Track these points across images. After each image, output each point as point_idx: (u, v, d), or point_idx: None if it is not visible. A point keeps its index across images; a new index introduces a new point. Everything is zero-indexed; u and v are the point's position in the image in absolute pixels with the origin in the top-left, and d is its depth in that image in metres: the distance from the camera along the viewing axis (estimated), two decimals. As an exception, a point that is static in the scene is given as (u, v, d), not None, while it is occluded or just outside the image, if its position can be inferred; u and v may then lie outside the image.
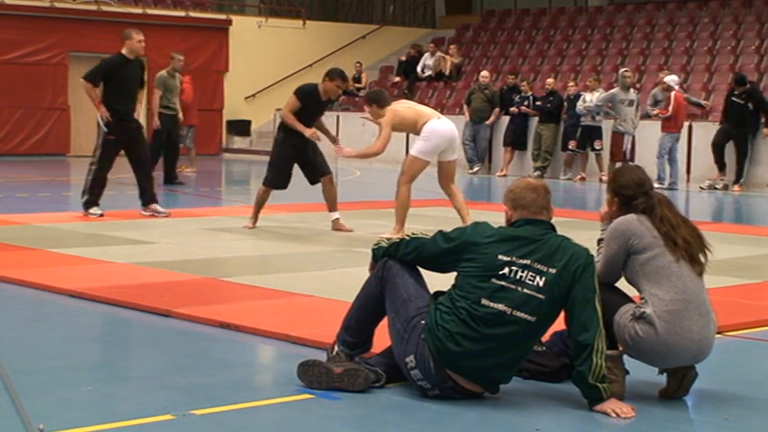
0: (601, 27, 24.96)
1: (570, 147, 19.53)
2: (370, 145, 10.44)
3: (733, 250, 9.70)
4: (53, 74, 22.99)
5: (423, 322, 4.77)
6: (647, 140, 18.24)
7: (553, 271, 4.69)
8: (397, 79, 24.91)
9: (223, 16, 26.10)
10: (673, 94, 17.93)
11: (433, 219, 11.02)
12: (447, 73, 24.55)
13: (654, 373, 5.00)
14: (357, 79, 25.17)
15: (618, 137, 18.15)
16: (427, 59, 24.93)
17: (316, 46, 26.49)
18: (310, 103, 10.47)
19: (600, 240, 5.13)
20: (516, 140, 20.51)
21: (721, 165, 17.91)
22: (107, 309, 6.77)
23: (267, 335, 5.99)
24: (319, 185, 10.75)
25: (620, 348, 4.91)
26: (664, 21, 24.23)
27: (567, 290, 4.69)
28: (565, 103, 19.89)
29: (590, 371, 4.62)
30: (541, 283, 4.69)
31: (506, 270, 4.71)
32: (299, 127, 10.38)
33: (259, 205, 10.74)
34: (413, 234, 5.09)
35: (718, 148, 17.92)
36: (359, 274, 5.70)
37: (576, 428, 4.56)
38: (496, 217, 5.78)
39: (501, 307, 4.68)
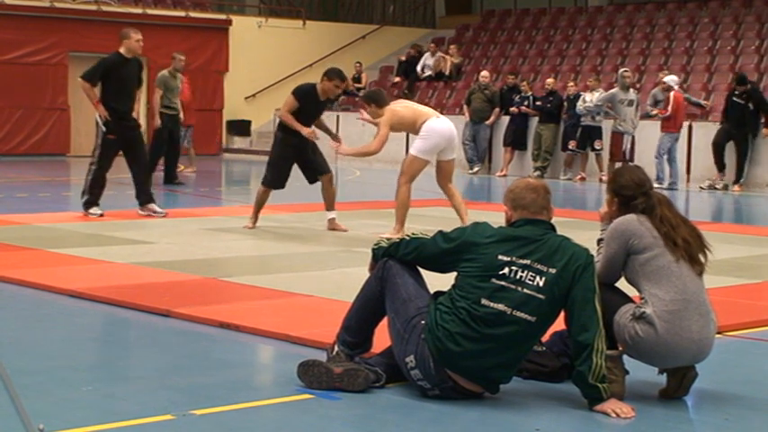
0: (601, 27, 24.96)
1: (570, 147, 19.53)
2: (368, 144, 10.44)
3: (733, 250, 9.70)
4: (53, 74, 22.98)
5: (423, 322, 4.77)
6: (647, 140, 18.24)
7: (553, 271, 4.69)
8: (397, 79, 24.92)
9: (223, 16, 26.10)
10: (672, 93, 17.94)
11: (432, 219, 11.02)
12: (447, 73, 24.55)
13: (654, 373, 5.00)
14: (357, 79, 25.16)
15: (617, 137, 18.15)
16: (427, 59, 24.93)
17: (316, 46, 26.49)
18: (308, 103, 10.47)
19: (600, 240, 5.13)
20: (516, 140, 20.51)
21: (721, 165, 17.91)
22: (107, 309, 6.77)
23: (267, 335, 5.99)
24: (318, 185, 10.75)
25: (620, 348, 4.92)
26: (664, 21, 24.23)
27: (567, 290, 4.69)
28: (565, 103, 19.89)
29: (590, 371, 4.62)
30: (541, 283, 4.69)
31: (506, 270, 4.71)
32: (297, 126, 10.39)
33: (259, 205, 10.74)
34: (413, 234, 5.09)
35: (718, 148, 17.92)
36: (359, 274, 5.70)
37: (575, 428, 4.56)
38: (496, 217, 5.78)
39: (501, 307, 4.68)
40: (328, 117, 11.37)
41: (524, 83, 21.18)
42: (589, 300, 4.68)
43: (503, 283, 4.70)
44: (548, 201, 4.90)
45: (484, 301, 4.69)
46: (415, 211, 10.85)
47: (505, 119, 20.77)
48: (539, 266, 4.71)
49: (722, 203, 16.43)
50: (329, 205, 10.71)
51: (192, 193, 15.52)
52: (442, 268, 4.95)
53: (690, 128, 18.73)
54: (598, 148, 19.11)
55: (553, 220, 4.92)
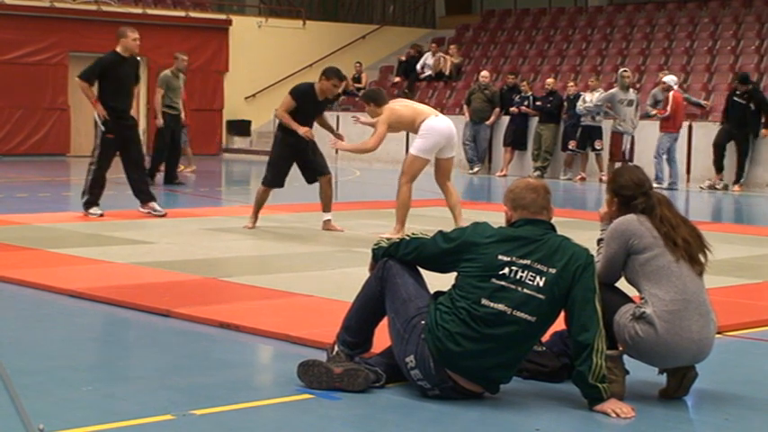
0: (601, 27, 24.96)
1: (570, 147, 19.53)
2: (365, 141, 10.45)
3: (733, 250, 9.70)
4: (53, 74, 22.99)
5: (423, 322, 4.77)
6: (647, 140, 18.24)
7: (553, 271, 4.69)
8: (397, 79, 24.92)
9: (223, 16, 26.11)
10: (671, 93, 17.93)
11: (432, 219, 11.02)
12: (447, 73, 24.55)
13: (654, 373, 5.00)
14: (357, 79, 25.17)
15: (617, 137, 18.15)
16: (428, 59, 24.93)
17: (316, 46, 26.50)
18: (306, 103, 10.46)
19: (600, 240, 5.13)
20: (516, 140, 20.51)
21: (720, 166, 17.88)
22: (107, 309, 6.77)
23: (267, 335, 5.99)
24: (316, 185, 10.75)
25: (620, 348, 4.92)
26: (664, 21, 24.23)
27: (567, 290, 4.69)
28: (565, 103, 19.89)
29: (590, 371, 4.62)
30: (541, 283, 4.69)
31: (506, 270, 4.71)
32: (294, 125, 10.39)
33: (259, 205, 10.74)
34: (413, 234, 5.09)
35: (719, 149, 17.90)
36: (359, 274, 5.70)
37: (575, 428, 4.56)
38: (496, 217, 5.78)
39: (501, 307, 4.68)
40: (328, 117, 11.36)
41: (524, 83, 21.18)
42: (589, 300, 4.68)
43: (503, 283, 4.70)
44: (548, 201, 4.90)
45: (484, 301, 4.69)
46: (415, 211, 10.85)
47: (505, 119, 20.77)
48: (539, 266, 4.71)
49: (722, 203, 16.43)
50: (326, 206, 10.71)
51: (191, 193, 15.52)
52: (442, 268, 4.95)
53: (690, 128, 18.73)
54: (598, 148, 19.11)
55: (553, 220, 4.92)
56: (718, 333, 5.27)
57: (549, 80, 20.80)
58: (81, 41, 22.73)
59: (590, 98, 19.05)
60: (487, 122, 20.76)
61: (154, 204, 11.64)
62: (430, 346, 4.71)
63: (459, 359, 4.68)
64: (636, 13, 25.14)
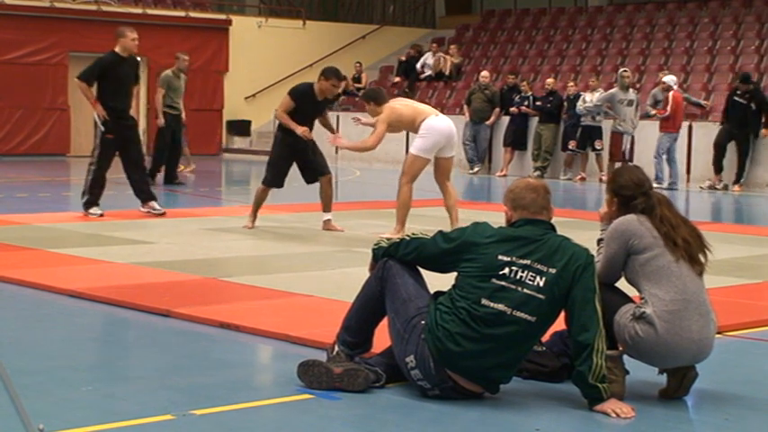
0: (601, 27, 24.96)
1: (570, 147, 19.53)
2: (365, 139, 10.45)
3: (733, 250, 9.70)
4: (53, 74, 22.98)
5: (423, 322, 4.77)
6: (647, 140, 18.24)
7: (553, 271, 4.69)
8: (397, 79, 24.92)
9: (223, 16, 26.10)
10: (671, 93, 17.93)
11: (433, 219, 11.02)
12: (447, 73, 24.55)
13: (654, 373, 5.00)
14: (357, 79, 25.17)
15: (617, 137, 18.15)
16: (428, 59, 24.93)
17: (316, 46, 26.49)
18: (305, 103, 10.46)
19: (600, 240, 5.13)
20: (516, 140, 20.51)
21: (719, 166, 17.86)
22: (107, 309, 6.77)
23: (267, 335, 5.99)
24: (316, 185, 10.75)
25: (620, 348, 4.92)
26: (664, 21, 24.23)
27: (567, 290, 4.69)
28: (565, 103, 19.89)
29: (590, 371, 4.62)
30: (541, 283, 4.69)
31: (506, 270, 4.71)
32: (292, 125, 10.39)
33: (257, 204, 10.74)
34: (413, 234, 5.09)
35: (720, 149, 17.88)
36: (359, 274, 5.70)
37: (575, 428, 4.56)
38: (496, 217, 5.78)
39: (501, 307, 4.68)
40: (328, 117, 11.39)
41: (524, 83, 21.18)
42: (589, 300, 4.68)
43: (503, 283, 4.70)
44: (548, 201, 4.90)
45: (484, 301, 4.69)
46: (415, 211, 10.85)
47: (505, 119, 20.77)
48: (539, 266, 4.71)
49: (722, 203, 16.43)
50: (326, 207, 10.71)
51: (191, 193, 15.52)
52: (442, 268, 4.95)
53: (690, 128, 18.73)
54: (598, 148, 19.11)
55: (553, 220, 4.92)
56: (718, 333, 5.27)
57: (549, 80, 20.80)
58: (81, 41, 22.72)
59: (590, 98, 19.05)
60: (487, 122, 20.76)
61: (153, 204, 11.65)
62: (430, 346, 4.71)
63: (459, 359, 4.68)
64: (636, 13, 25.14)
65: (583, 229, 9.04)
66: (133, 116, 11.74)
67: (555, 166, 20.13)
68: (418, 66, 24.95)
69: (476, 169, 20.58)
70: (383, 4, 30.73)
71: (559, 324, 4.85)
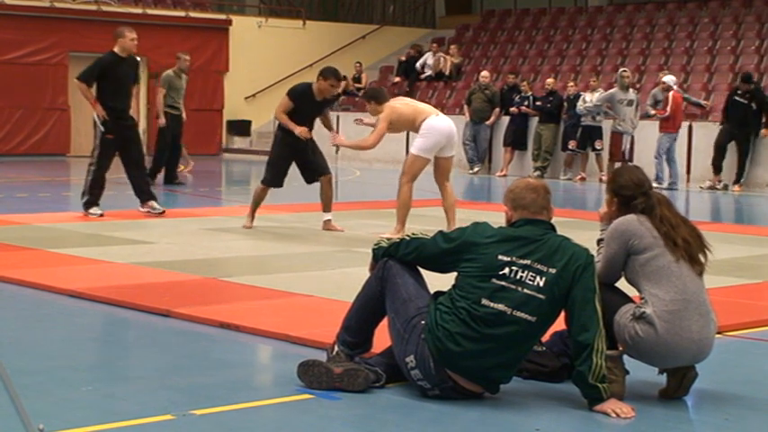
0: (601, 27, 24.96)
1: (570, 147, 19.53)
2: (365, 138, 10.45)
3: (733, 250, 9.70)
4: (53, 74, 22.99)
5: (423, 322, 4.77)
6: (647, 140, 18.23)
7: (553, 271, 4.69)
8: (397, 79, 24.91)
9: (223, 16, 26.11)
10: (671, 94, 17.92)
11: (433, 219, 11.02)
12: (447, 73, 24.55)
13: (654, 373, 5.00)
14: (357, 79, 25.16)
15: (617, 137, 18.15)
16: (428, 59, 24.93)
17: (316, 46, 26.49)
18: (304, 103, 10.46)
19: (600, 240, 5.13)
20: (516, 140, 20.51)
21: (718, 167, 17.85)
22: (107, 309, 6.77)
23: (267, 335, 5.99)
24: (316, 185, 10.75)
25: (620, 348, 4.92)
26: (664, 21, 24.23)
27: (567, 290, 4.69)
28: (565, 103, 19.89)
29: (590, 371, 4.62)
30: (541, 284, 4.69)
31: (506, 270, 4.71)
32: (290, 125, 10.40)
33: (256, 204, 10.74)
34: (413, 234, 5.09)
35: (720, 149, 17.86)
36: (359, 274, 5.70)
37: (575, 428, 4.56)
38: (496, 217, 5.78)
39: (501, 307, 4.68)
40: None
41: (524, 83, 21.18)
42: (589, 300, 4.68)
43: (503, 283, 4.70)
44: (548, 201, 4.90)
45: (484, 302, 4.69)
46: (415, 211, 10.85)
47: (505, 119, 20.77)
48: (539, 266, 4.70)
49: (722, 203, 16.43)
50: (326, 207, 10.71)
51: (191, 193, 15.53)
52: (442, 268, 4.95)
53: (690, 128, 18.73)
54: (598, 148, 19.11)
55: (553, 220, 4.92)
56: (718, 333, 5.27)
57: (549, 80, 20.80)
58: (81, 41, 22.73)
59: (590, 98, 19.05)
60: (487, 122, 20.76)
61: (153, 203, 11.66)
62: (430, 346, 4.71)
63: (459, 359, 4.68)
64: (636, 13, 25.14)
65: (583, 229, 9.04)
66: (133, 116, 11.73)
67: (555, 166, 20.13)
68: (418, 65, 24.95)
69: (476, 169, 20.58)
70: (383, 4, 30.73)
71: (559, 324, 4.85)
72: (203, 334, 6.08)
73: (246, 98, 26.04)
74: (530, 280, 4.69)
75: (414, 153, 10.10)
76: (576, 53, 24.20)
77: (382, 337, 5.06)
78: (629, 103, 18.17)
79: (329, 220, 10.70)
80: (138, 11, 24.46)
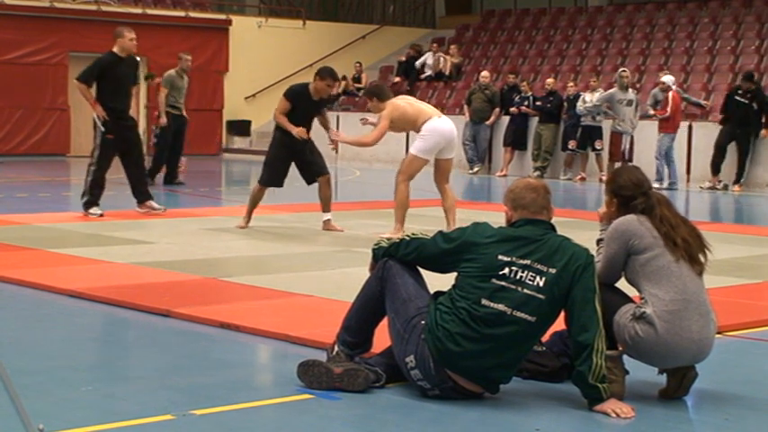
0: (601, 27, 24.96)
1: (570, 147, 19.53)
2: (366, 134, 10.44)
3: (733, 250, 9.70)
4: (53, 74, 22.99)
5: (423, 322, 4.77)
6: (646, 140, 18.24)
7: (553, 271, 4.69)
8: (397, 79, 24.91)
9: (223, 16, 26.11)
10: (670, 94, 17.92)
11: (433, 219, 11.01)
12: (447, 73, 24.55)
13: (654, 373, 5.00)
14: (357, 79, 25.16)
15: (616, 137, 18.16)
16: (428, 59, 24.93)
17: (316, 46, 26.50)
18: (301, 103, 10.46)
19: (599, 240, 5.13)
20: (516, 140, 20.51)
21: (717, 168, 17.83)
22: (107, 309, 6.77)
23: (267, 335, 5.99)
24: (316, 185, 10.74)
25: (620, 348, 4.92)
26: (664, 21, 24.23)
27: (567, 290, 4.69)
28: (565, 104, 19.89)
29: (590, 371, 4.62)
30: (541, 284, 4.69)
31: (506, 270, 4.71)
32: (288, 126, 10.41)
33: (253, 204, 10.73)
34: (413, 234, 5.09)
35: (720, 150, 17.84)
36: (359, 274, 5.70)
37: (575, 428, 4.56)
38: (496, 217, 5.78)
39: (501, 307, 4.67)
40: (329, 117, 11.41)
41: (524, 83, 21.18)
42: (589, 300, 4.68)
43: (503, 283, 4.70)
44: (548, 201, 4.90)
45: (484, 302, 4.69)
46: (415, 211, 10.85)
47: (505, 119, 20.77)
48: (539, 266, 4.70)
49: (722, 203, 16.43)
50: (325, 207, 10.71)
51: (191, 193, 15.52)
52: (442, 268, 4.95)
53: (690, 128, 18.73)
54: (598, 148, 19.11)
55: (553, 220, 4.92)
56: (718, 333, 5.27)
57: (549, 80, 20.80)
58: (81, 41, 22.73)
59: (590, 98, 19.05)
60: (487, 122, 20.76)
61: (152, 203, 11.67)
62: (430, 347, 4.71)
63: (459, 359, 4.68)
64: (636, 13, 25.14)
65: (583, 229, 9.04)
66: (133, 116, 11.74)
67: (555, 166, 20.13)
68: (417, 64, 24.94)
69: (476, 169, 20.58)
70: (383, 4, 30.73)
71: (559, 324, 4.85)
72: (203, 334, 6.08)
73: (246, 98, 26.05)
74: (530, 280, 4.69)
75: (413, 153, 10.09)
76: (576, 53, 24.20)
77: (382, 337, 5.06)
78: (629, 103, 18.17)
79: (329, 220, 10.70)
80: (138, 11, 24.46)
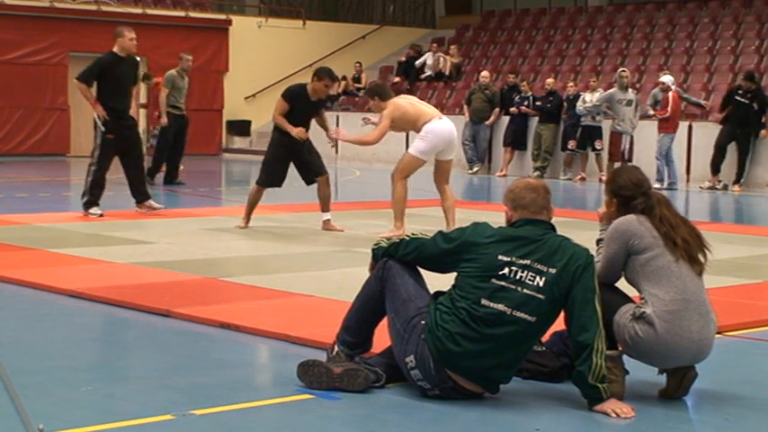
0: (601, 27, 24.97)
1: (570, 147, 19.53)
2: (367, 133, 10.44)
3: (733, 250, 9.70)
4: (53, 74, 22.99)
5: (423, 322, 4.77)
6: (646, 140, 18.24)
7: (553, 271, 4.69)
8: (397, 79, 24.92)
9: (223, 16, 26.11)
10: (670, 94, 17.91)
11: (433, 219, 11.02)
12: (447, 73, 24.55)
13: (654, 373, 5.00)
14: (357, 79, 25.17)
15: (616, 137, 18.16)
16: (428, 59, 24.93)
17: (316, 46, 26.50)
18: (299, 104, 10.47)
19: (599, 240, 5.13)
20: (516, 140, 20.51)
21: (717, 168, 17.83)
22: (107, 309, 6.77)
23: (267, 335, 5.99)
24: (315, 186, 10.75)
25: (620, 348, 4.92)
26: (664, 21, 24.23)
27: (567, 290, 4.69)
28: (565, 104, 19.89)
29: (590, 371, 4.62)
30: (541, 284, 4.69)
31: (506, 270, 4.71)
32: (287, 127, 10.41)
33: (252, 205, 10.73)
34: (413, 234, 5.09)
35: (720, 150, 17.84)
36: (359, 274, 5.70)
37: (575, 428, 4.56)
38: (496, 217, 5.78)
39: (501, 307, 4.67)
40: (328, 117, 11.40)
41: (524, 83, 21.18)
42: (589, 300, 4.68)
43: (503, 283, 4.70)
44: (548, 201, 4.90)
45: (484, 302, 4.69)
46: (415, 211, 10.85)
47: (505, 119, 20.78)
48: (539, 266, 4.70)
49: (722, 203, 16.43)
50: (324, 206, 10.71)
51: (191, 193, 15.52)
52: (442, 268, 4.95)
53: (690, 128, 18.73)
54: (598, 148, 19.11)
55: (553, 220, 4.92)
56: (718, 333, 5.27)
57: (549, 80, 20.80)
58: (81, 41, 22.73)
59: (590, 98, 19.05)
60: (487, 122, 20.76)
61: (151, 202, 11.68)
62: (430, 347, 4.71)
63: (458, 359, 4.68)
64: (636, 13, 25.15)
65: (583, 229, 9.04)
66: (133, 116, 11.74)
67: (555, 166, 20.13)
68: (417, 63, 24.94)
69: (475, 169, 20.58)
70: (383, 4, 30.73)
71: (559, 324, 4.85)
72: (203, 334, 6.08)
73: (246, 98, 26.05)
74: (529, 280, 4.69)
75: (411, 153, 10.09)
76: (576, 53, 24.20)
77: (382, 337, 5.06)
78: (629, 103, 18.17)
79: (329, 220, 10.70)
80: (138, 11, 24.46)
